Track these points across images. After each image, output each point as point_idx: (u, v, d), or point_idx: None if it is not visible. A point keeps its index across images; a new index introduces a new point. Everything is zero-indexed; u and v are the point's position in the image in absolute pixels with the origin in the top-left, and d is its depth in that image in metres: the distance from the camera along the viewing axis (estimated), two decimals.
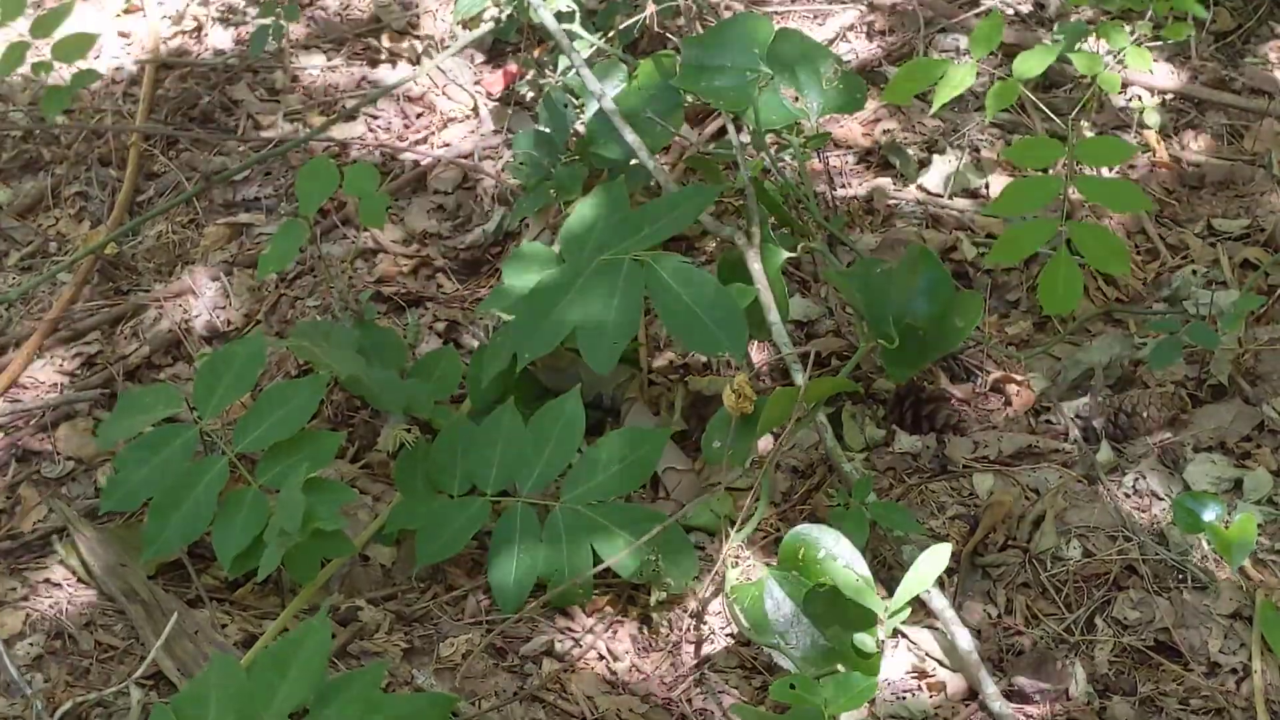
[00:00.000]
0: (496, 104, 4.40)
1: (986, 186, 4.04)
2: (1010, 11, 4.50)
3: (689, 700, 2.98)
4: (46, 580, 3.22)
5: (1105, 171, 3.84)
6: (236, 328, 3.82)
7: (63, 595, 3.18)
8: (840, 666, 2.82)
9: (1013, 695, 2.93)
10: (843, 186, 4.06)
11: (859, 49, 4.46)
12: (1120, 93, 4.18)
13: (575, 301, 3.17)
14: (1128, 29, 3.84)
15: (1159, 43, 4.04)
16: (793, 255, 3.48)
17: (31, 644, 3.08)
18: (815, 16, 4.60)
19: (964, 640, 2.94)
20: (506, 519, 3.14)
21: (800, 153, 3.67)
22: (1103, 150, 3.51)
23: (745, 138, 3.69)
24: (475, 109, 4.40)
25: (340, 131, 4.33)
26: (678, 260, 3.19)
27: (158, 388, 3.43)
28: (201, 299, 3.91)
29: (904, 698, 2.96)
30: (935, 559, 2.84)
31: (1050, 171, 3.64)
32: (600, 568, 3.02)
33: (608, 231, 3.26)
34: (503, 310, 3.32)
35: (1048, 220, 3.27)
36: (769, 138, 3.64)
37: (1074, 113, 3.84)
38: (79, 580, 3.22)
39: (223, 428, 3.26)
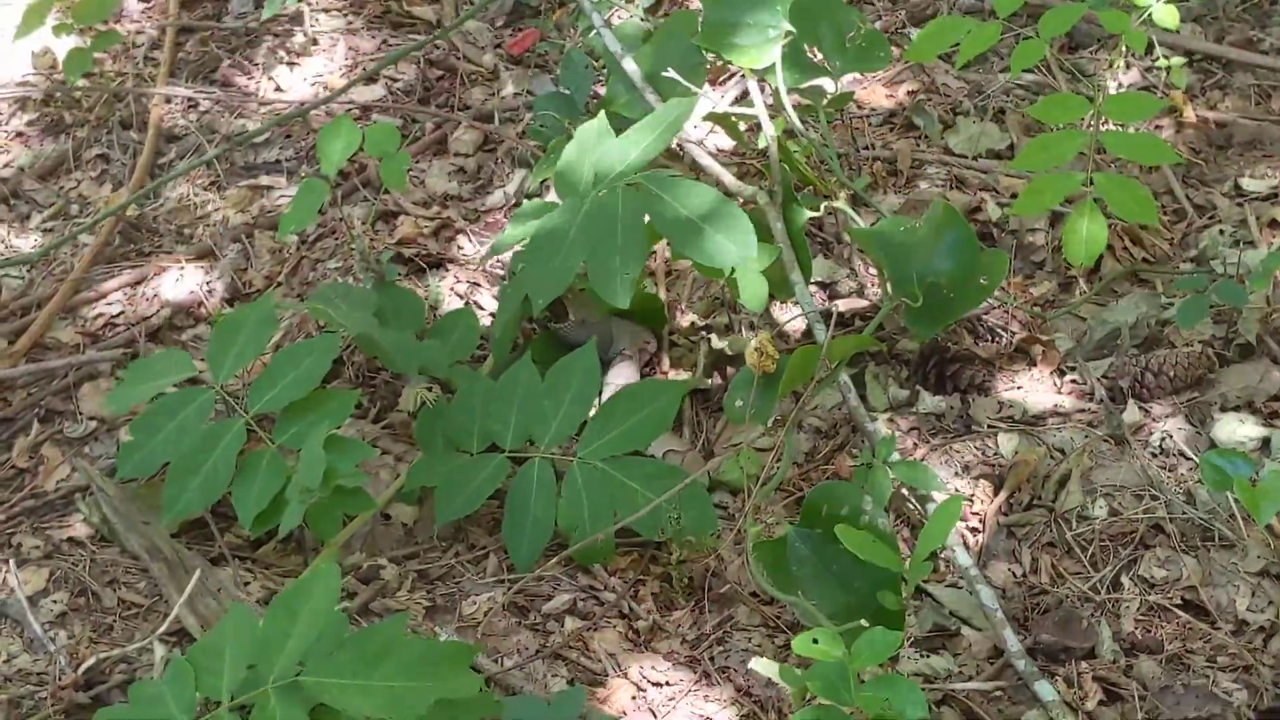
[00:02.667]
0: (517, 66, 4.38)
1: (1011, 147, 4.01)
2: None
3: (711, 658, 2.97)
4: (70, 539, 3.22)
5: (1132, 129, 3.80)
6: (257, 290, 3.81)
7: (85, 553, 3.19)
8: (864, 623, 2.80)
9: (1037, 653, 2.92)
10: (866, 148, 4.03)
11: (881, 11, 4.43)
12: (1147, 53, 4.14)
13: (578, 240, 3.12)
14: None
15: (1187, 2, 4.00)
16: (815, 215, 3.46)
17: (55, 601, 3.08)
18: None
19: (988, 598, 2.92)
20: (523, 475, 3.13)
21: (824, 113, 3.65)
22: (1129, 105, 3.48)
23: (768, 97, 3.66)
24: (496, 71, 4.38)
25: (361, 94, 4.31)
26: (669, 175, 3.15)
27: (168, 353, 3.44)
28: (222, 261, 3.90)
29: (928, 655, 2.94)
30: (949, 511, 2.81)
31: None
32: (621, 524, 3.00)
33: (597, 162, 3.22)
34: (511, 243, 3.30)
35: (1073, 173, 3.24)
36: (792, 98, 3.61)
37: (1101, 72, 3.81)
38: (102, 539, 3.23)
39: (240, 390, 3.26)
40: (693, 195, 3.09)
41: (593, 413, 3.20)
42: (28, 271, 3.93)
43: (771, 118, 3.50)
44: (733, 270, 3.24)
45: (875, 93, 4.20)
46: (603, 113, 3.42)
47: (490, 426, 3.19)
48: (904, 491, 3.13)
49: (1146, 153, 3.40)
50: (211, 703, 2.45)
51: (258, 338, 3.25)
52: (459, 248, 3.90)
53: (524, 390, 3.19)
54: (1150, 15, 3.59)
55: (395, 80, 4.39)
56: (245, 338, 3.24)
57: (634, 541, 3.14)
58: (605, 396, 3.25)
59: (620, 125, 3.41)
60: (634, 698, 2.90)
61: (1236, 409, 3.33)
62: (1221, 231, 3.70)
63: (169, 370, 3.28)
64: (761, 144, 3.50)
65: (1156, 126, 3.99)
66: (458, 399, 3.24)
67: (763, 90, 3.71)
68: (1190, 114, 4.03)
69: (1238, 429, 3.27)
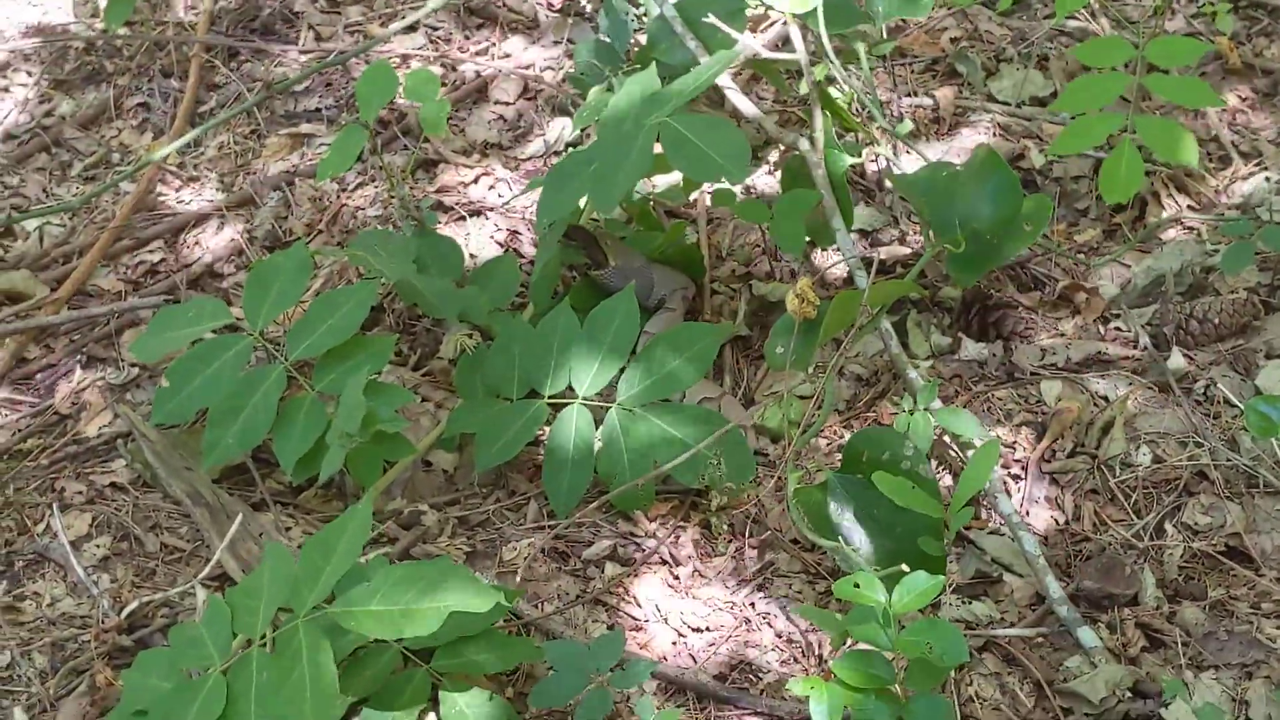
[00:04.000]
0: (557, 14, 4.37)
1: (1055, 94, 3.98)
2: None
3: (752, 604, 2.97)
4: (112, 484, 3.23)
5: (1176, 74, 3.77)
6: (298, 237, 3.81)
7: (128, 499, 3.20)
8: (905, 568, 2.79)
9: (1080, 599, 2.90)
10: (909, 95, 4.00)
11: None
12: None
13: (595, 164, 3.13)
14: None
15: None
16: (857, 162, 3.43)
17: (98, 545, 3.09)
18: None
19: (1030, 544, 2.91)
20: (562, 421, 3.12)
21: (866, 59, 3.62)
22: (1174, 50, 3.42)
23: (810, 44, 3.63)
24: (536, 20, 4.36)
25: (401, 43, 4.30)
26: (698, 115, 3.13)
27: (201, 301, 3.42)
28: (263, 209, 3.90)
29: (969, 602, 2.93)
30: (987, 454, 2.79)
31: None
32: (660, 471, 2.99)
33: (639, 110, 3.20)
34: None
35: (1112, 114, 3.20)
36: (833, 43, 3.58)
37: (1146, 18, 3.77)
38: (144, 484, 3.24)
39: (279, 336, 3.26)
40: (710, 128, 3.07)
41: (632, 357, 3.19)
42: (69, 219, 3.95)
43: (813, 64, 3.48)
44: (772, 215, 3.23)
45: (918, 39, 4.16)
46: (653, 66, 3.41)
47: (530, 373, 3.18)
48: (946, 439, 3.11)
49: (1189, 96, 3.35)
50: (249, 643, 2.48)
51: (294, 284, 3.24)
52: (499, 195, 3.89)
53: (563, 336, 3.18)
54: None
55: (435, 29, 4.38)
56: (281, 284, 3.23)
57: (674, 488, 3.13)
58: (646, 342, 3.24)
59: (661, 72, 3.40)
60: (674, 643, 2.90)
61: None
62: (1268, 179, 3.67)
63: (202, 317, 3.26)
64: (803, 90, 3.47)
65: (1202, 73, 3.95)
66: (497, 345, 3.24)
67: (804, 36, 3.68)
68: (1236, 60, 3.99)
69: None
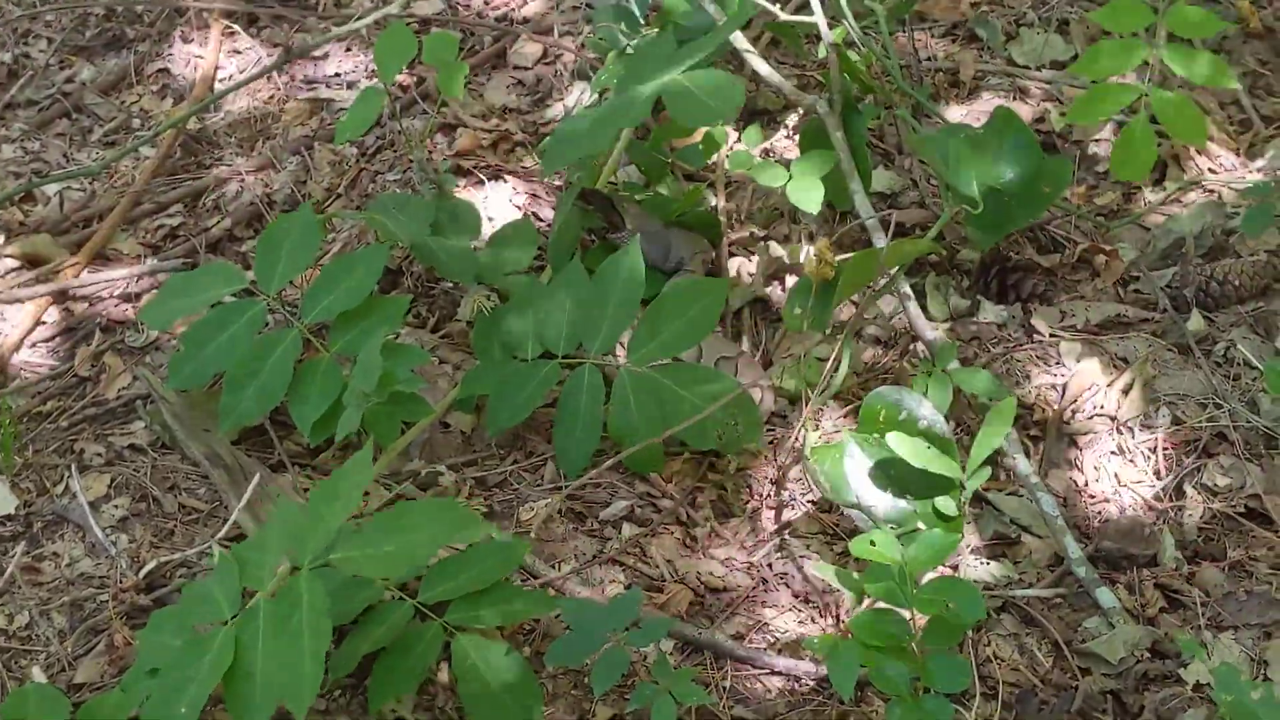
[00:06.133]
0: None
1: (1075, 58, 3.95)
2: None
3: (769, 565, 2.97)
4: (131, 445, 3.24)
5: (1198, 43, 3.74)
6: (317, 201, 3.81)
7: (147, 460, 3.21)
8: (921, 526, 2.79)
9: (1098, 560, 2.90)
10: (928, 59, 3.99)
11: None
12: None
13: (600, 116, 3.14)
14: None
15: None
16: (876, 124, 3.42)
17: (117, 506, 3.10)
18: None
19: (1048, 505, 2.91)
20: (572, 382, 3.12)
21: (885, 22, 3.60)
22: (1195, 20, 3.41)
23: (828, 7, 3.62)
24: None
25: (421, 7, 4.29)
26: (705, 71, 3.11)
27: (214, 266, 3.42)
28: (282, 173, 3.90)
29: (988, 563, 2.93)
30: (1001, 415, 2.78)
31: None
32: (670, 433, 2.99)
33: (654, 72, 3.19)
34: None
35: (1129, 84, 3.18)
36: (853, 6, 3.57)
37: None
38: (162, 445, 3.24)
39: (294, 299, 3.27)
40: (710, 79, 3.05)
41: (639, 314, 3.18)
42: (90, 184, 3.95)
43: (831, 27, 3.46)
44: (789, 178, 3.23)
45: (938, 3, 4.14)
46: (671, 30, 3.40)
47: (543, 332, 3.17)
48: (965, 400, 3.10)
49: (1205, 73, 3.33)
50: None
51: (304, 246, 3.23)
52: (518, 160, 3.89)
53: (574, 294, 3.18)
54: None
55: None
56: (290, 247, 3.22)
57: (691, 449, 3.13)
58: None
59: (680, 36, 3.39)
60: (691, 603, 2.90)
61: None
62: None
63: (215, 282, 3.25)
64: (822, 54, 3.46)
65: (1224, 36, 3.92)
66: (512, 304, 3.23)
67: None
68: (1256, 23, 3.96)
69: None
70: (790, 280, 3.46)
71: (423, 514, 2.53)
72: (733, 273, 3.50)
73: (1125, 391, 3.18)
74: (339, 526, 2.44)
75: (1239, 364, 3.22)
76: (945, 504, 2.79)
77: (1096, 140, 3.70)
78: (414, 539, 2.45)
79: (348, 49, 4.25)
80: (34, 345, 3.53)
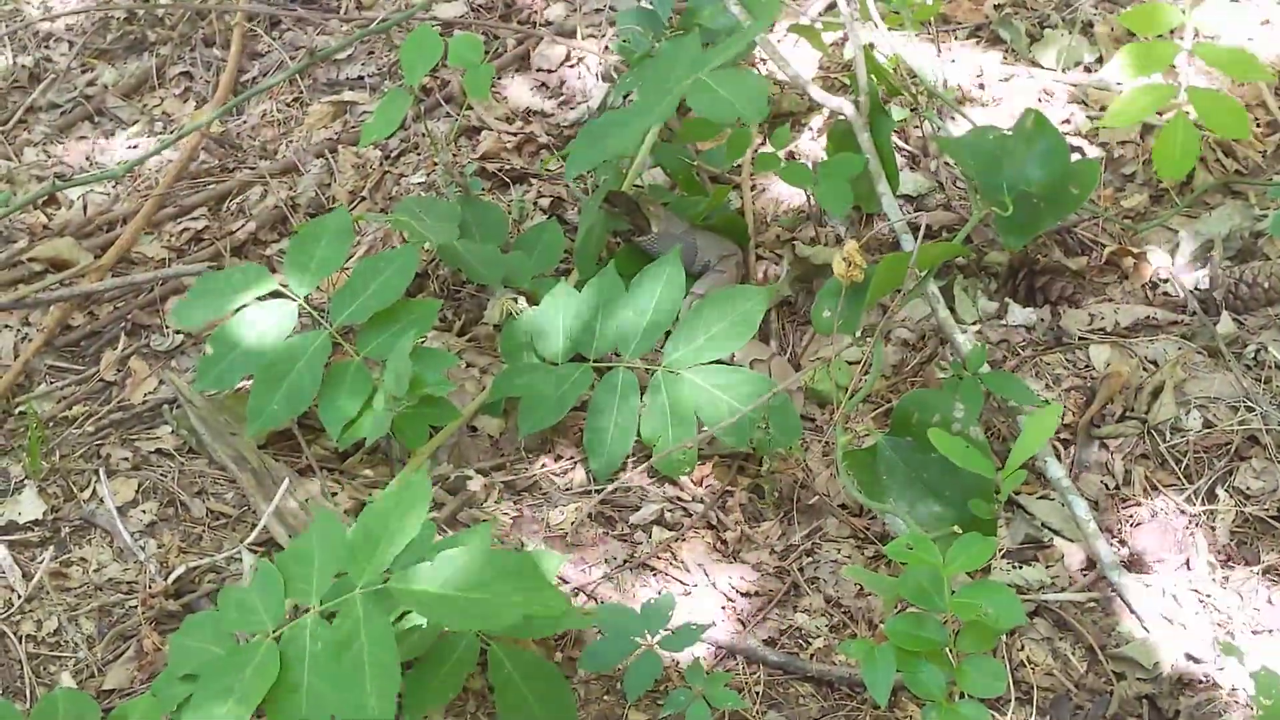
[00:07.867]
0: None
1: (1100, 61, 3.94)
2: None
3: (800, 569, 2.96)
4: (158, 450, 3.23)
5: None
6: (341, 204, 3.80)
7: (174, 464, 3.20)
8: (957, 530, 2.77)
9: (1131, 565, 2.89)
10: (954, 61, 3.97)
11: None
12: None
13: (626, 118, 3.13)
14: None
15: None
16: (902, 124, 3.41)
17: (144, 511, 3.09)
18: None
19: (1081, 509, 2.89)
20: (605, 384, 3.12)
21: (911, 25, 3.59)
22: (1220, 20, 3.40)
23: (854, 9, 3.61)
24: None
25: (443, 10, 4.29)
26: (730, 71, 3.11)
27: (245, 268, 3.40)
28: (306, 176, 3.90)
29: (1020, 567, 2.92)
30: (1044, 420, 2.76)
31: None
32: (706, 434, 2.98)
33: (679, 74, 3.18)
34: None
35: (1165, 84, 3.17)
36: (878, 9, 3.56)
37: None
38: (189, 450, 3.24)
39: (323, 303, 3.25)
40: (737, 79, 3.03)
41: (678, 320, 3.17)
42: (113, 187, 3.95)
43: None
44: (816, 179, 3.23)
45: (962, 6, 4.13)
46: (696, 31, 3.38)
47: (575, 335, 3.17)
48: (994, 404, 3.09)
49: (1238, 68, 3.32)
50: (301, 609, 2.46)
51: (336, 249, 3.22)
52: (543, 162, 3.88)
53: (608, 299, 3.17)
54: None
55: None
56: (323, 249, 3.22)
57: (721, 451, 3.12)
58: (693, 304, 3.22)
59: (704, 38, 3.37)
60: (723, 607, 2.89)
61: None
62: None
63: (245, 284, 3.25)
64: (848, 55, 3.45)
65: (1249, 38, 3.91)
66: (541, 309, 3.23)
67: (849, 1, 3.66)
68: None
69: None
70: (817, 282, 3.45)
71: (500, 569, 2.34)
72: (759, 275, 3.49)
73: (1155, 394, 3.16)
74: (397, 555, 2.39)
75: (1270, 366, 3.20)
76: (979, 507, 2.77)
77: (1122, 143, 3.69)
78: (494, 601, 2.31)
79: (370, 51, 4.24)
80: (59, 350, 3.52)
